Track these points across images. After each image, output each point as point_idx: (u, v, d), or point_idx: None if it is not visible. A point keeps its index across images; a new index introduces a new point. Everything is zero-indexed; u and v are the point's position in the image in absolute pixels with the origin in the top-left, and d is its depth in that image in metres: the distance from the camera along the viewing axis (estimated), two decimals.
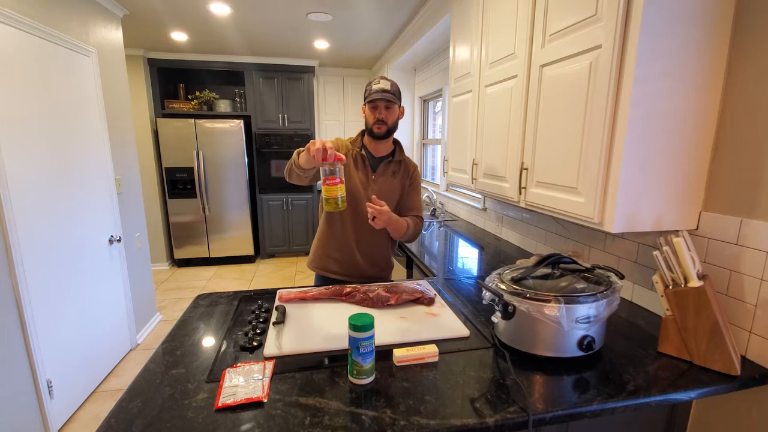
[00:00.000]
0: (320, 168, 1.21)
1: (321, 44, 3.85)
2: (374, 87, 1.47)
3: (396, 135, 1.61)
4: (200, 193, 4.43)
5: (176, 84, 4.57)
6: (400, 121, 1.58)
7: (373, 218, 1.39)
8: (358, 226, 1.58)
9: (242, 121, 4.38)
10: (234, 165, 4.45)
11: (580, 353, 1.01)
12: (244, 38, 3.66)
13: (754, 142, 1.03)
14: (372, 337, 0.92)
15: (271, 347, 1.07)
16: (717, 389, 0.94)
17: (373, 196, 1.42)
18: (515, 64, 1.52)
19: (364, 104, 1.52)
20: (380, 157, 1.59)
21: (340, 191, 1.19)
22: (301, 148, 1.36)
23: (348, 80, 4.99)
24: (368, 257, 1.63)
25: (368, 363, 0.93)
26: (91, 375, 2.34)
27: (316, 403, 0.86)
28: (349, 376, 0.95)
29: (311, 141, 1.19)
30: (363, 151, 1.57)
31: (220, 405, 0.84)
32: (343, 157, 1.19)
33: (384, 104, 1.48)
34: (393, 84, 1.48)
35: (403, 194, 1.63)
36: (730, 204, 1.08)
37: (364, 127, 1.59)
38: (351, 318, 0.92)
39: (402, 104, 1.54)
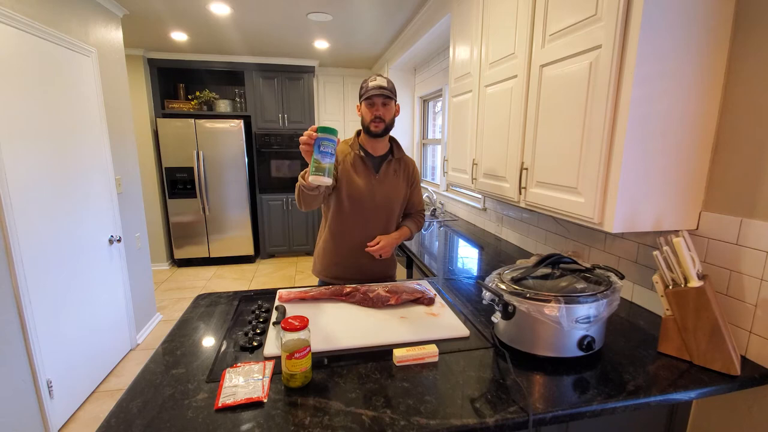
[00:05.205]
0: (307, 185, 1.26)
1: (321, 44, 3.84)
2: (371, 84, 1.46)
3: (395, 134, 1.61)
4: (200, 193, 4.43)
5: (176, 84, 4.57)
6: (399, 121, 1.59)
7: (380, 256, 1.57)
8: (364, 231, 1.57)
9: (242, 121, 4.37)
10: (234, 165, 4.45)
11: (580, 353, 1.01)
12: (244, 38, 3.66)
13: (753, 142, 1.03)
14: (334, 142, 1.08)
15: (271, 347, 1.07)
16: (717, 389, 0.94)
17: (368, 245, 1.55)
18: (515, 64, 1.52)
19: (360, 102, 1.51)
20: (380, 156, 1.58)
21: (307, 362, 0.93)
22: (302, 173, 1.38)
23: (348, 80, 4.98)
24: (375, 259, 1.62)
25: (326, 162, 1.07)
26: (91, 375, 2.34)
27: (316, 403, 0.86)
28: (309, 176, 1.09)
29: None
30: (362, 152, 1.54)
31: (220, 405, 0.84)
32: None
33: (381, 101, 1.47)
34: (389, 81, 1.48)
35: (407, 192, 1.65)
36: (730, 204, 1.08)
37: (360, 127, 1.57)
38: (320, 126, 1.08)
39: (398, 102, 1.54)
